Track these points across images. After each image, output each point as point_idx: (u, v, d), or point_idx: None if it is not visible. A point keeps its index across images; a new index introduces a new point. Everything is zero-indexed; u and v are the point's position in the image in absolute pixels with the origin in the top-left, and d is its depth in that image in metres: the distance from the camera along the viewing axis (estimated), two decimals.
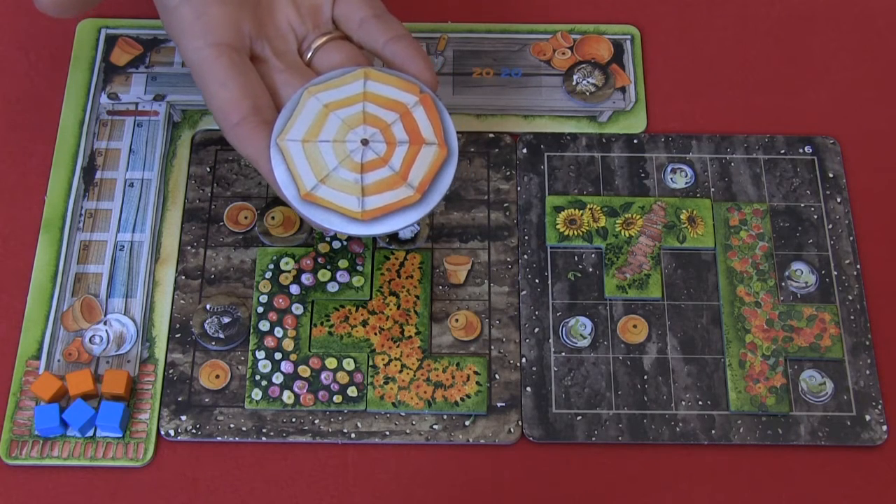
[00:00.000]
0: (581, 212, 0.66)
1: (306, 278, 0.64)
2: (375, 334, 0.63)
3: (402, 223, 0.57)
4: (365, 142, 0.57)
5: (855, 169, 0.69)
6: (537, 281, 0.65)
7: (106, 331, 0.63)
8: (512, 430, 0.61)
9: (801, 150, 0.69)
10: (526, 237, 0.66)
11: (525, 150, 0.68)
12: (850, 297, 0.64)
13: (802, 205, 0.67)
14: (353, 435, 0.61)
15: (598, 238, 0.66)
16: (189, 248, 0.66)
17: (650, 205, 0.67)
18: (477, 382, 0.62)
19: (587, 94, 0.70)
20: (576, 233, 0.66)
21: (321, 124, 0.58)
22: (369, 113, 0.58)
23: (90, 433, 0.61)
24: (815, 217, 0.67)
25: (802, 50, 0.73)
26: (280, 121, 0.58)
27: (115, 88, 0.70)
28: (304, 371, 0.62)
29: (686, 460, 0.61)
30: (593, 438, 0.61)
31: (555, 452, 0.61)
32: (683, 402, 0.62)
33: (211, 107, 0.59)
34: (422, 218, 0.57)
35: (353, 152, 0.57)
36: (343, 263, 0.65)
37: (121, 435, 0.61)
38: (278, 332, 0.63)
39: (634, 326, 0.64)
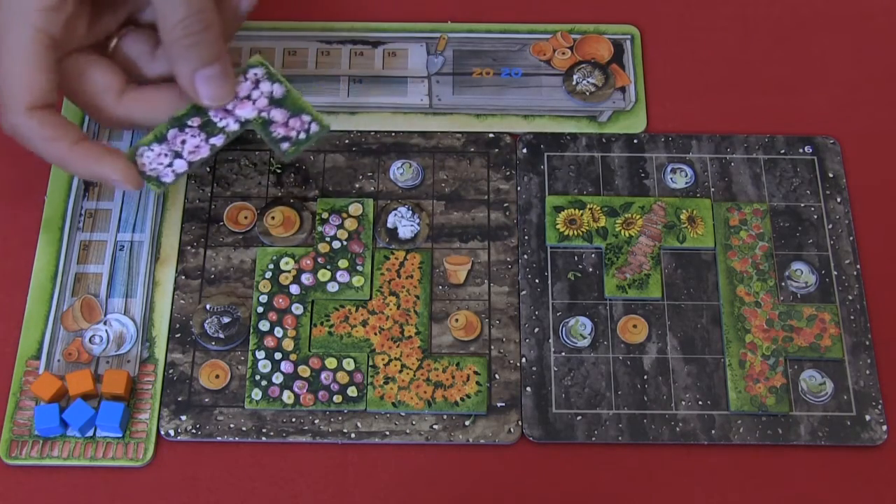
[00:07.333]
0: (581, 212, 0.66)
1: (306, 278, 0.64)
2: (375, 334, 0.63)
3: None
4: None
5: (855, 169, 0.69)
6: (537, 281, 0.65)
7: (106, 331, 0.63)
8: (512, 430, 0.61)
9: (801, 150, 0.69)
10: (526, 237, 0.66)
11: (525, 150, 0.68)
12: (850, 297, 0.64)
13: (802, 205, 0.67)
14: (353, 435, 0.61)
15: (598, 238, 0.66)
16: (189, 248, 0.66)
17: (650, 205, 0.67)
18: (477, 382, 0.62)
19: (587, 93, 0.70)
20: (576, 233, 0.66)
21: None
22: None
23: (90, 433, 0.61)
24: (815, 217, 0.67)
25: (802, 50, 0.73)
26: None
27: None
28: (304, 371, 0.62)
29: (686, 460, 0.61)
30: (593, 438, 0.61)
31: (555, 452, 0.61)
32: (683, 402, 0.62)
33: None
34: None
35: None
36: (343, 263, 0.65)
37: (121, 435, 0.61)
38: (278, 332, 0.63)
39: (634, 326, 0.64)
